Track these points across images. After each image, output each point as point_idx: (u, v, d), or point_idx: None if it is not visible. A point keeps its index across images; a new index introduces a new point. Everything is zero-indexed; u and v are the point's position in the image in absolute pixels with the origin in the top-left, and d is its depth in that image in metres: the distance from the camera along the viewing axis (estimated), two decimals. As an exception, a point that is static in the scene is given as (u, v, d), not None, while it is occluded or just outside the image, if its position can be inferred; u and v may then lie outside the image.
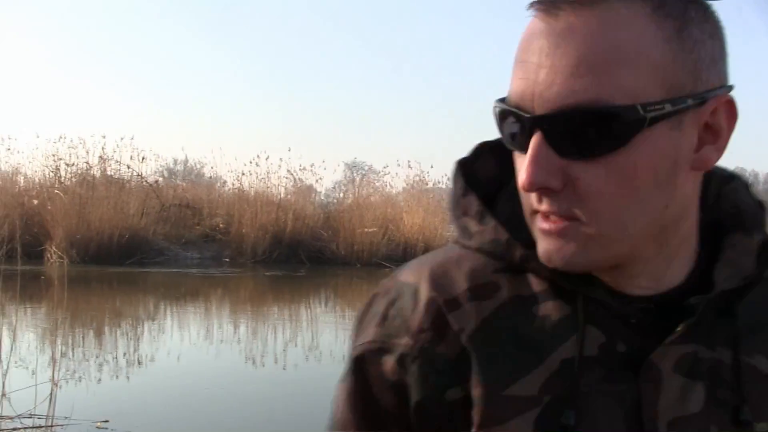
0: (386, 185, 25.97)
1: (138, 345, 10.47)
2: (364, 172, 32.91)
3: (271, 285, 18.98)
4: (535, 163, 0.81)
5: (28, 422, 5.90)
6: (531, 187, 0.82)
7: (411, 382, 0.91)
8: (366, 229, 22.45)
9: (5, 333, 8.58)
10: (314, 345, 10.52)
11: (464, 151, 0.99)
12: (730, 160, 0.94)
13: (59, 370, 6.40)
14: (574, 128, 0.80)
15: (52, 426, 5.80)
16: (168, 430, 6.44)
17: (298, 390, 7.97)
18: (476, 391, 0.88)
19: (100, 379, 8.06)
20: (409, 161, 25.73)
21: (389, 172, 25.82)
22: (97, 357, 9.33)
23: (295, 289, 18.45)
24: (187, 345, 10.50)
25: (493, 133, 0.91)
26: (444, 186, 25.92)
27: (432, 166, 31.79)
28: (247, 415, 6.92)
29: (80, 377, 7.95)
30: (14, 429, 5.82)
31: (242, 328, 12.21)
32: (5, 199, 19.54)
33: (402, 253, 22.88)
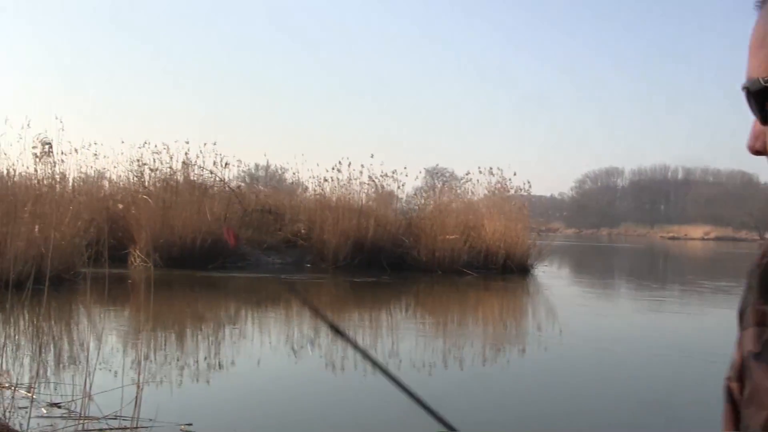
0: (468, 192, 25.77)
1: (220, 349, 10.51)
2: (445, 179, 32.72)
3: (354, 291, 18.98)
4: (751, 131, 1.00)
5: (114, 423, 5.91)
6: (748, 150, 1.01)
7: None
8: (447, 236, 22.33)
9: (91, 335, 8.68)
10: (394, 351, 10.43)
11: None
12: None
13: (144, 373, 6.41)
14: (750, 101, 0.98)
15: (137, 428, 5.80)
16: (250, 435, 6.41)
17: (380, 396, 7.88)
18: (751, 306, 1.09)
19: (182, 383, 8.08)
20: (491, 168, 25.47)
21: (471, 179, 25.60)
22: (179, 360, 9.37)
23: (378, 295, 18.40)
24: (267, 350, 10.50)
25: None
26: (525, 193, 25.66)
27: (515, 173, 31.54)
28: (329, 422, 6.85)
29: (162, 380, 7.98)
30: (100, 430, 5.84)
31: (323, 334, 12.18)
32: (91, 204, 19.89)
33: (483, 260, 22.72)
